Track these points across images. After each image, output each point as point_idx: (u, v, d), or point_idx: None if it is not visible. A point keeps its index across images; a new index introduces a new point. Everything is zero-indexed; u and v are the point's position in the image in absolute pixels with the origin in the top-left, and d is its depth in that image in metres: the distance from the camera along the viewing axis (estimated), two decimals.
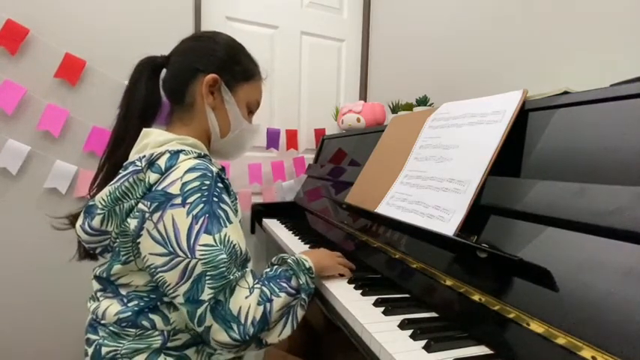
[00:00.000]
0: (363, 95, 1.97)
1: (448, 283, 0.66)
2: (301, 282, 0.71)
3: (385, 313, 0.65)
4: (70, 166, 1.38)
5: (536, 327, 0.49)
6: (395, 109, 1.41)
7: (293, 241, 1.20)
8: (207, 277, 0.60)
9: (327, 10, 1.88)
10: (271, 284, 0.68)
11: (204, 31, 0.86)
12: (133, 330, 0.67)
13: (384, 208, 0.88)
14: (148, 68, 0.78)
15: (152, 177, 0.64)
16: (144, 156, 0.67)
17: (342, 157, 1.49)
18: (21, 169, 1.32)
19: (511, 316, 0.53)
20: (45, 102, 1.33)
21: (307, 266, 0.73)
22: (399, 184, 0.88)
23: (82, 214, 0.71)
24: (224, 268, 0.61)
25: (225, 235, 0.63)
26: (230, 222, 0.65)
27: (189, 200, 0.62)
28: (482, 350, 0.54)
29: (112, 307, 0.68)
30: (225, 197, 0.67)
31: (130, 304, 0.68)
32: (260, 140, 1.71)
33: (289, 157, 1.82)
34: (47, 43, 1.32)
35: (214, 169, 0.67)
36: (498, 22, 1.22)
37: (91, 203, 0.70)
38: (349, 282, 0.81)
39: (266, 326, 0.64)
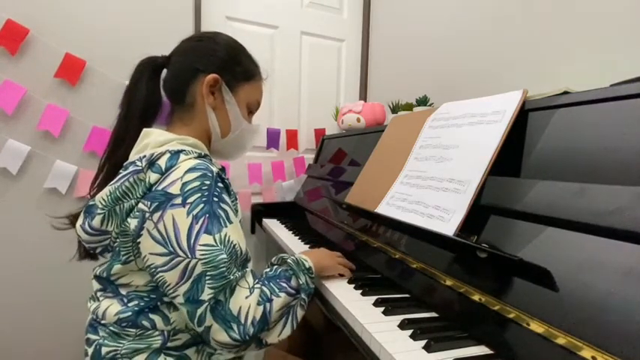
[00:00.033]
0: (363, 95, 1.97)
1: (448, 283, 0.66)
2: (301, 282, 0.71)
3: (385, 313, 0.65)
4: (70, 166, 1.39)
5: (536, 327, 0.49)
6: (395, 109, 1.41)
7: (293, 241, 1.20)
8: (207, 277, 0.60)
9: (327, 10, 1.88)
10: (271, 284, 0.68)
11: (205, 32, 0.86)
12: (133, 330, 0.67)
13: (384, 208, 0.88)
14: (149, 68, 0.78)
15: (152, 177, 0.64)
16: (144, 156, 0.67)
17: (342, 157, 1.49)
18: (21, 169, 1.32)
19: (511, 316, 0.53)
20: (45, 102, 1.33)
21: (307, 266, 0.73)
22: (399, 184, 0.88)
23: (82, 213, 0.71)
24: (224, 268, 0.61)
25: (226, 235, 0.63)
26: (230, 222, 0.65)
27: (190, 200, 0.62)
28: (482, 350, 0.54)
29: (112, 307, 0.68)
30: (226, 197, 0.67)
31: (130, 304, 0.68)
32: (260, 140, 1.71)
33: (289, 157, 1.82)
34: (47, 43, 1.32)
35: (214, 169, 0.67)
36: (498, 22, 1.22)
37: (91, 203, 0.70)
38: (349, 282, 0.81)
39: (266, 326, 0.64)
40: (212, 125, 0.78)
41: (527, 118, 0.69)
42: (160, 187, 0.64)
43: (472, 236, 0.66)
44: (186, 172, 0.64)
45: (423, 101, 1.32)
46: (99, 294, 0.72)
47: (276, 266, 0.76)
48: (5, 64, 1.29)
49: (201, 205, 0.62)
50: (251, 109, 0.84)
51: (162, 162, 0.65)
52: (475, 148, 0.72)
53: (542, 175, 0.62)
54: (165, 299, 0.68)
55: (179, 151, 0.67)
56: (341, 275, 0.83)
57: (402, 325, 0.60)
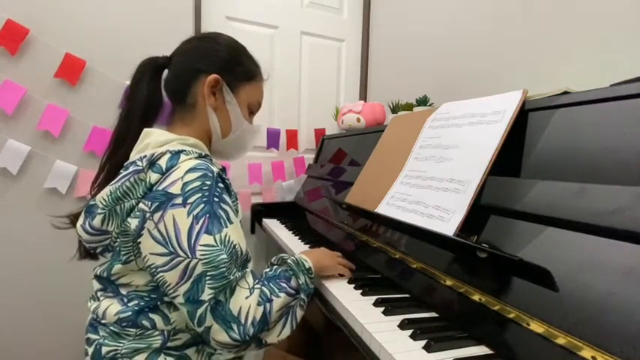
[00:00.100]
0: (363, 95, 1.97)
1: (448, 283, 0.66)
2: (301, 282, 0.71)
3: (385, 313, 0.65)
4: (70, 166, 1.39)
5: (536, 327, 0.49)
6: (395, 109, 1.41)
7: (293, 241, 1.20)
8: (207, 277, 0.60)
9: (327, 10, 1.88)
10: (271, 284, 0.68)
11: (206, 32, 0.86)
12: (134, 330, 0.67)
13: (384, 208, 0.88)
14: (150, 69, 0.78)
15: (153, 177, 0.65)
16: (145, 156, 0.67)
17: (342, 157, 1.49)
18: (21, 169, 1.32)
19: (511, 316, 0.53)
20: (45, 102, 1.33)
21: (307, 266, 0.73)
22: (399, 184, 0.88)
23: (82, 213, 0.71)
24: (224, 269, 0.61)
25: (226, 236, 0.63)
26: (231, 222, 0.65)
27: (190, 200, 0.62)
28: (482, 350, 0.54)
29: (112, 307, 0.68)
30: (226, 197, 0.67)
31: (130, 304, 0.68)
32: (260, 140, 1.71)
33: (289, 157, 1.82)
34: (47, 43, 1.32)
35: (215, 170, 0.67)
36: (498, 22, 1.22)
37: (91, 203, 0.70)
38: (349, 282, 0.81)
39: (266, 326, 0.64)
40: (213, 125, 0.78)
41: (527, 118, 0.69)
42: (160, 187, 0.64)
43: (472, 236, 0.66)
44: (187, 172, 0.64)
45: (423, 101, 1.32)
46: (99, 294, 0.72)
47: (275, 266, 0.76)
48: (5, 64, 1.29)
49: (202, 206, 0.62)
50: (252, 110, 0.84)
51: (162, 162, 0.65)
52: (475, 148, 0.72)
53: (542, 175, 0.62)
54: (166, 299, 0.68)
55: (180, 151, 0.67)
56: (341, 275, 0.83)
57: (402, 325, 0.60)
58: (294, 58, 1.83)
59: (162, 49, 0.83)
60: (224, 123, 0.79)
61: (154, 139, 0.70)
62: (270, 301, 0.65)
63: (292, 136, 1.79)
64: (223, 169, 0.74)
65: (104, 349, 0.67)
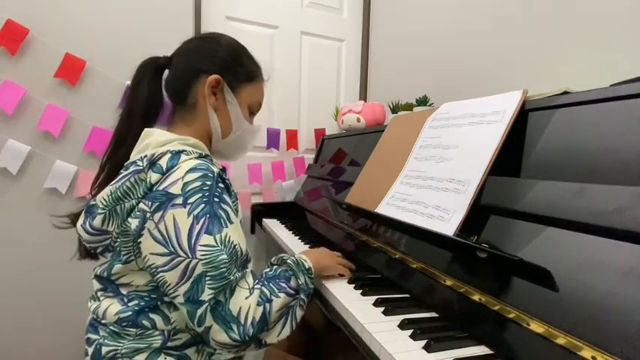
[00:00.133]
0: (363, 95, 1.97)
1: (448, 283, 0.66)
2: (300, 282, 0.71)
3: (385, 313, 0.65)
4: (70, 166, 1.39)
5: (536, 327, 0.49)
6: (395, 109, 1.41)
7: (293, 241, 1.20)
8: (207, 278, 0.60)
9: (327, 10, 1.88)
10: (271, 284, 0.68)
11: (207, 33, 0.86)
12: (134, 329, 0.67)
13: (384, 208, 0.88)
14: (151, 69, 0.78)
15: (153, 177, 0.65)
16: (145, 156, 0.67)
17: (342, 157, 1.49)
18: (21, 169, 1.32)
19: (511, 316, 0.53)
20: (45, 102, 1.33)
21: (306, 267, 0.73)
22: (399, 184, 0.88)
23: (83, 213, 0.72)
24: (224, 269, 0.61)
25: (226, 236, 0.63)
26: (231, 222, 0.65)
27: (191, 200, 0.62)
28: (482, 350, 0.54)
29: (112, 307, 0.68)
30: (226, 197, 0.67)
31: (130, 304, 0.68)
32: (260, 140, 1.71)
33: (289, 157, 1.82)
34: (47, 43, 1.32)
35: (215, 170, 0.67)
36: (498, 22, 1.22)
37: (92, 203, 0.70)
38: (349, 282, 0.81)
39: (265, 327, 0.64)
40: (213, 126, 0.78)
41: (527, 118, 0.69)
42: (161, 187, 0.64)
43: (472, 236, 0.66)
44: (188, 172, 0.64)
45: (423, 101, 1.32)
46: (99, 294, 0.72)
47: (275, 266, 0.76)
48: (5, 64, 1.29)
49: (202, 206, 0.62)
50: (252, 110, 0.84)
51: (163, 162, 0.65)
52: (475, 148, 0.72)
53: (542, 175, 0.62)
54: (166, 299, 0.68)
55: (180, 152, 0.67)
56: (341, 275, 0.83)
57: (402, 325, 0.60)
58: (294, 58, 1.83)
59: (162, 49, 0.84)
60: (224, 123, 0.79)
61: (154, 139, 0.70)
62: (269, 301, 0.65)
63: (292, 136, 1.79)
64: (224, 170, 0.74)
65: (104, 349, 0.67)
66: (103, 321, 0.69)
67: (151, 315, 0.67)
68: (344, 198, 1.09)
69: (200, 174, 0.64)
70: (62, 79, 1.35)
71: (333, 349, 1.21)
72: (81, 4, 1.38)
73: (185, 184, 0.63)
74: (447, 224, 0.68)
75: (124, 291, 0.69)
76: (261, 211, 1.63)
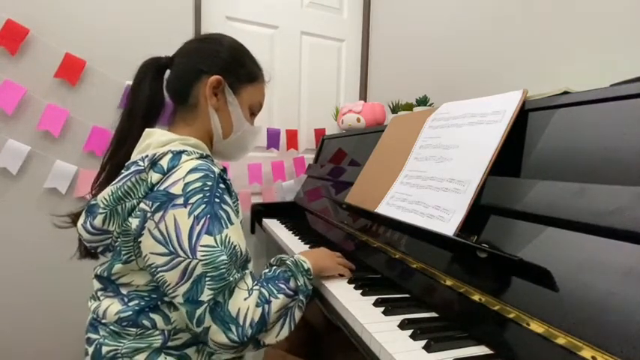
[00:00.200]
0: (363, 95, 1.97)
1: (448, 283, 0.66)
2: (299, 283, 0.71)
3: (385, 313, 0.65)
4: (70, 166, 1.38)
5: (536, 327, 0.49)
6: (395, 109, 1.41)
7: (293, 241, 1.20)
8: (207, 278, 0.60)
9: (327, 10, 1.88)
10: (270, 285, 0.68)
11: (209, 33, 0.86)
12: (134, 329, 0.67)
13: (384, 208, 0.88)
14: (152, 69, 0.78)
15: (154, 177, 0.65)
16: (146, 156, 0.67)
17: (342, 157, 1.49)
18: (21, 169, 1.32)
19: (511, 316, 0.53)
20: (45, 102, 1.33)
21: (305, 268, 0.73)
22: (399, 184, 0.88)
23: (83, 213, 0.72)
24: (224, 270, 0.61)
25: (226, 236, 0.63)
26: (231, 223, 0.65)
27: (192, 201, 0.62)
28: (482, 350, 0.54)
29: (112, 307, 0.68)
30: (227, 198, 0.67)
31: (130, 304, 0.68)
32: (260, 140, 1.71)
33: (289, 157, 1.82)
34: (47, 43, 1.32)
35: (216, 170, 0.67)
36: (498, 22, 1.22)
37: (92, 202, 0.70)
38: (349, 282, 0.81)
39: (264, 328, 0.64)
40: (214, 126, 0.78)
41: (527, 118, 0.69)
42: (161, 187, 0.64)
43: (472, 236, 0.66)
44: (189, 172, 0.64)
45: (423, 101, 1.32)
46: (99, 293, 0.72)
47: (274, 267, 0.75)
48: (5, 64, 1.29)
49: (203, 206, 0.63)
50: (253, 111, 0.85)
51: (164, 162, 0.66)
52: (475, 148, 0.72)
53: (542, 175, 0.62)
54: (166, 299, 0.68)
55: (181, 152, 0.67)
56: (341, 275, 0.83)
57: (402, 325, 0.60)
58: (294, 58, 1.83)
59: (162, 49, 0.84)
60: (225, 124, 0.79)
61: (155, 139, 0.70)
62: (268, 302, 0.65)
63: (292, 136, 1.79)
64: (224, 170, 0.74)
65: (104, 349, 0.67)
66: (104, 321, 0.69)
67: (152, 315, 0.67)
68: (344, 198, 1.09)
69: (201, 174, 0.64)
70: (62, 79, 1.35)
71: (333, 349, 1.21)
72: (81, 4, 1.38)
73: (186, 185, 0.63)
74: (447, 224, 0.68)
75: (124, 291, 0.70)
76: (261, 211, 1.63)
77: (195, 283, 0.60)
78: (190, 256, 0.60)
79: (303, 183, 1.73)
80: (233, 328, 0.60)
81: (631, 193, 0.46)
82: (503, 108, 0.71)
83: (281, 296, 0.67)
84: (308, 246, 1.13)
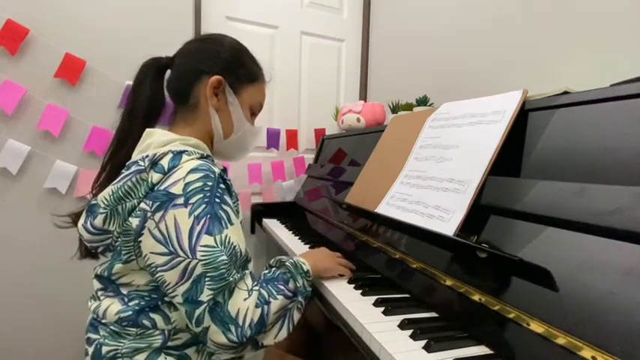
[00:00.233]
0: (363, 95, 1.97)
1: (448, 283, 0.66)
2: (298, 285, 0.71)
3: (385, 313, 0.65)
4: (70, 166, 1.39)
5: (536, 327, 0.49)
6: (395, 109, 1.41)
7: (293, 241, 1.20)
8: (207, 278, 0.60)
9: (327, 10, 1.88)
10: (269, 287, 0.68)
11: (209, 34, 0.87)
12: (134, 329, 0.67)
13: (384, 208, 0.88)
14: (153, 69, 0.78)
15: (155, 177, 0.65)
16: (147, 156, 0.67)
17: (342, 157, 1.49)
18: (21, 169, 1.32)
19: (511, 316, 0.53)
20: (45, 102, 1.33)
21: (305, 269, 0.73)
22: (399, 184, 0.88)
23: (84, 212, 0.72)
24: (224, 270, 0.61)
25: (226, 237, 0.63)
26: (231, 223, 0.65)
27: (192, 201, 0.62)
28: (482, 350, 0.54)
29: (112, 307, 0.68)
30: (227, 198, 0.67)
31: (130, 304, 0.68)
32: (260, 140, 1.71)
33: (289, 157, 1.82)
34: (47, 43, 1.32)
35: (217, 170, 0.67)
36: (498, 22, 1.22)
37: (93, 202, 0.70)
38: (349, 282, 0.81)
39: (263, 328, 0.64)
40: (215, 126, 0.78)
41: (527, 118, 0.69)
42: (162, 187, 0.64)
43: (472, 236, 0.66)
44: (189, 172, 0.64)
45: (423, 101, 1.32)
46: (100, 293, 0.72)
47: (274, 269, 0.75)
48: (5, 64, 1.29)
49: (203, 206, 0.63)
50: (254, 111, 0.85)
51: (164, 162, 0.66)
52: (475, 148, 0.72)
53: (542, 175, 0.62)
54: (166, 299, 0.68)
55: (182, 152, 0.67)
56: (341, 275, 0.83)
57: (402, 325, 0.60)
58: (294, 58, 1.83)
59: (162, 49, 0.84)
60: (226, 124, 0.79)
61: (156, 139, 0.70)
62: (267, 303, 0.65)
63: (292, 136, 1.79)
64: (225, 170, 0.74)
65: (104, 349, 0.67)
66: (104, 320, 0.69)
67: (152, 315, 0.67)
68: (344, 198, 1.09)
69: (201, 174, 0.64)
70: (62, 79, 1.35)
71: (333, 349, 1.21)
72: (81, 4, 1.38)
73: (186, 185, 0.63)
74: (447, 224, 0.68)
75: (124, 291, 0.70)
76: (261, 211, 1.63)
77: (195, 283, 0.60)
78: (190, 256, 0.60)
79: (303, 183, 1.73)
80: (232, 329, 0.60)
81: (631, 193, 0.46)
82: (503, 108, 0.71)
83: (280, 297, 0.67)
84: (308, 246, 1.13)
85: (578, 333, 0.45)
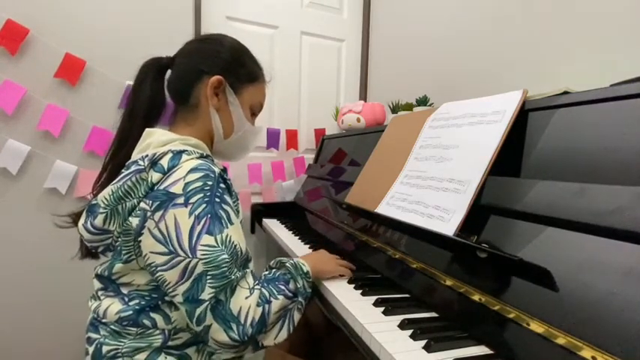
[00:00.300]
0: (363, 95, 1.97)
1: (448, 283, 0.66)
2: (299, 286, 0.71)
3: (385, 313, 0.65)
4: (70, 166, 1.39)
5: (536, 327, 0.49)
6: (395, 109, 1.41)
7: (293, 241, 1.20)
8: (208, 277, 0.60)
9: (327, 10, 1.88)
10: (270, 286, 0.68)
11: (210, 34, 0.87)
12: (134, 329, 0.67)
13: (384, 208, 0.88)
14: (153, 69, 0.78)
15: (154, 176, 0.65)
16: (147, 155, 0.67)
17: (342, 157, 1.49)
18: (21, 169, 1.32)
19: (511, 316, 0.53)
20: (45, 102, 1.33)
21: (305, 270, 0.74)
22: (399, 184, 0.88)
23: (84, 212, 0.72)
24: (226, 268, 0.61)
25: (227, 236, 0.63)
26: (231, 223, 0.65)
27: (192, 200, 0.62)
28: (482, 350, 0.54)
29: (113, 306, 0.68)
30: (227, 198, 0.67)
31: (131, 303, 0.68)
32: (260, 140, 1.71)
33: (289, 157, 1.82)
34: (47, 43, 1.32)
35: (217, 170, 0.67)
36: (498, 22, 1.22)
37: (93, 202, 0.70)
38: (349, 282, 0.81)
39: (264, 328, 0.64)
40: (215, 126, 0.78)
41: (527, 118, 0.69)
42: (162, 187, 0.64)
43: (472, 236, 0.66)
44: (189, 172, 0.64)
45: (423, 101, 1.32)
46: (100, 293, 0.72)
47: (274, 269, 0.76)
48: (5, 64, 1.29)
49: (204, 206, 0.63)
50: (254, 111, 0.85)
51: (164, 162, 0.66)
52: (475, 148, 0.72)
53: (542, 175, 0.62)
54: (167, 298, 0.68)
55: (181, 151, 0.67)
56: (341, 275, 0.83)
57: (402, 325, 0.60)
58: (294, 58, 1.83)
59: (162, 49, 0.84)
60: (226, 124, 0.79)
61: (155, 139, 0.70)
62: (269, 302, 0.65)
63: (292, 136, 1.79)
64: (225, 170, 0.74)
65: (105, 348, 0.67)
66: (104, 320, 0.69)
67: (152, 314, 0.67)
68: (344, 198, 1.09)
69: (201, 174, 0.64)
70: (62, 79, 1.36)
71: (333, 349, 1.21)
72: (81, 4, 1.38)
73: (186, 184, 0.63)
74: (447, 224, 0.68)
75: (124, 290, 0.70)
76: (261, 211, 1.63)
77: (196, 281, 0.60)
78: (190, 256, 0.60)
79: (303, 183, 1.73)
80: (234, 327, 0.60)
81: (631, 193, 0.46)
82: (503, 108, 0.71)
83: (281, 297, 0.67)
84: (308, 246, 1.13)
85: (578, 333, 0.45)
